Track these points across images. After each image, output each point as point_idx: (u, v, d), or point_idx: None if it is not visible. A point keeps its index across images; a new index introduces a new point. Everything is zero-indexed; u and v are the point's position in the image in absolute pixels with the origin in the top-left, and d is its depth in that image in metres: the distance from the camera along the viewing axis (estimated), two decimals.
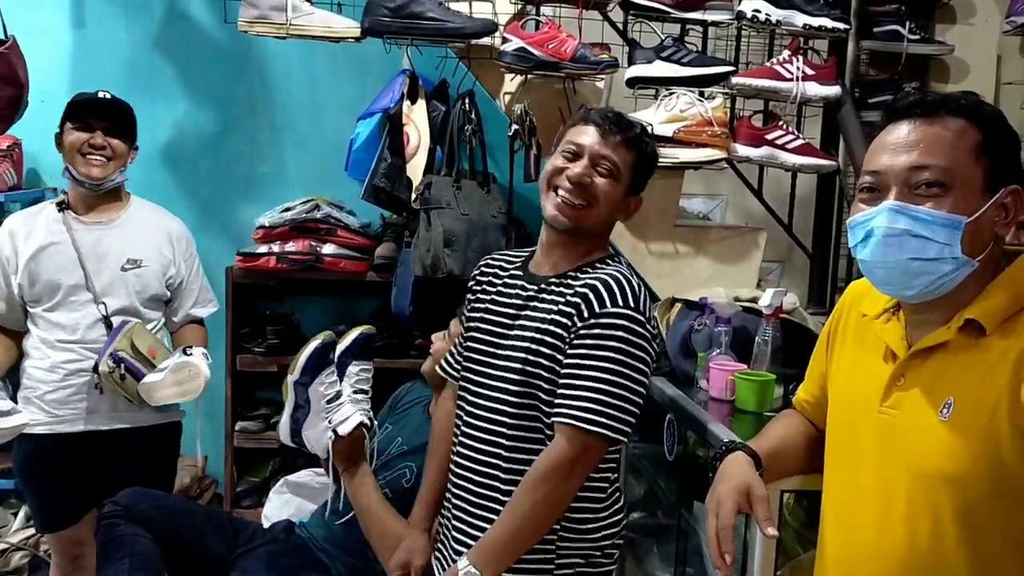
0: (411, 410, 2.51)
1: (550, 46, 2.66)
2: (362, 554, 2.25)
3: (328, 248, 3.34)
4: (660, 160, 2.68)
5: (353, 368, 2.29)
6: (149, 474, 2.53)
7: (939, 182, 1.28)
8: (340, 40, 2.74)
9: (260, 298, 3.58)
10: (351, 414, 2.21)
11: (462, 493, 1.84)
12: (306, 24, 2.70)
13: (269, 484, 3.44)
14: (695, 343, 2.50)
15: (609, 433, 1.69)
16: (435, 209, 2.68)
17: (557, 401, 1.71)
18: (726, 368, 2.32)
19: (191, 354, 2.47)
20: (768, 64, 2.80)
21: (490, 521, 1.76)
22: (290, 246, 3.32)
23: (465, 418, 1.85)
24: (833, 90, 2.80)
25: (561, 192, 1.75)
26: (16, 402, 2.46)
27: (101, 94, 2.51)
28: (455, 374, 1.97)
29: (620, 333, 1.69)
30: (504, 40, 2.68)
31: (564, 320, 1.72)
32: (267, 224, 3.34)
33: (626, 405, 1.70)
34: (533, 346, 1.74)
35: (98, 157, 2.46)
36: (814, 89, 2.77)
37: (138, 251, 2.55)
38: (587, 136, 1.76)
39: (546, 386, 1.73)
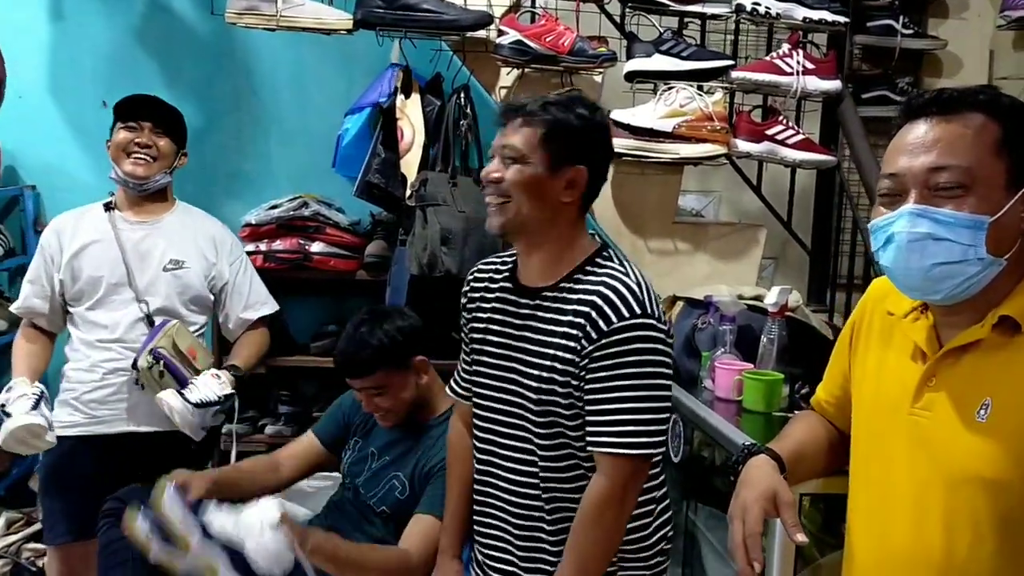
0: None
1: (548, 39, 2.61)
2: None
3: (317, 246, 3.27)
4: (660, 156, 2.68)
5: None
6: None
7: (959, 183, 1.23)
8: (331, 32, 2.68)
9: None
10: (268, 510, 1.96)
11: (500, 523, 1.78)
12: (296, 16, 2.63)
13: None
14: (699, 342, 2.47)
15: (649, 451, 1.64)
16: (431, 206, 2.62)
17: (589, 430, 1.64)
18: (733, 368, 2.28)
19: (194, 380, 2.43)
20: (768, 58, 2.76)
21: (538, 550, 1.73)
22: (278, 244, 3.25)
23: (488, 445, 1.78)
24: (834, 84, 2.76)
25: (487, 199, 1.69)
26: (53, 408, 2.43)
27: (147, 97, 2.53)
28: (465, 394, 1.89)
29: (637, 346, 1.60)
30: (500, 33, 2.63)
31: (571, 344, 1.63)
32: (254, 222, 3.26)
33: (658, 417, 1.63)
34: (544, 374, 1.65)
35: (143, 156, 2.46)
36: (814, 83, 2.74)
37: (180, 252, 2.53)
38: (496, 137, 1.70)
39: (565, 412, 1.66)
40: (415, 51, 2.81)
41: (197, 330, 2.58)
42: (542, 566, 1.72)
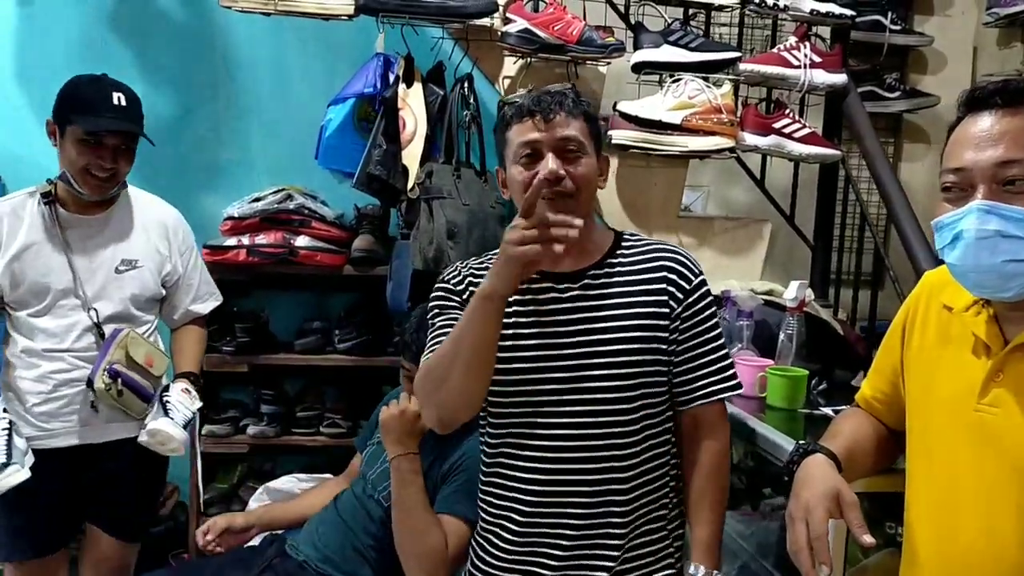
0: None
1: (556, 28, 2.54)
2: (356, 573, 2.15)
3: (302, 240, 3.15)
4: (668, 149, 2.63)
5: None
6: (142, 488, 2.37)
7: None
8: (331, 18, 2.58)
9: (227, 294, 3.35)
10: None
11: (564, 532, 1.67)
12: (295, 0, 2.51)
13: (238, 490, 3.29)
14: None
15: (737, 383, 1.75)
16: (437, 199, 2.54)
17: (693, 385, 1.70)
18: (754, 364, 2.25)
19: (167, 396, 2.28)
20: (776, 50, 2.73)
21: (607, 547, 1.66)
22: (261, 238, 3.12)
23: (547, 450, 1.66)
24: (840, 78, 2.75)
25: (546, 193, 1.55)
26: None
27: (116, 97, 2.25)
28: None
29: (710, 299, 1.72)
30: (507, 20, 2.56)
31: (658, 309, 1.66)
32: (236, 215, 3.12)
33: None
34: (628, 346, 1.63)
35: (106, 179, 2.24)
36: (821, 77, 2.72)
37: (132, 250, 2.34)
38: (533, 130, 1.60)
39: (651, 379, 1.66)
40: (416, 39, 2.71)
41: (148, 331, 2.40)
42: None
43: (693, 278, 1.68)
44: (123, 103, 2.26)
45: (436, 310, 1.73)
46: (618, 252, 1.70)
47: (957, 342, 1.39)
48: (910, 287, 1.61)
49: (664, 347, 1.66)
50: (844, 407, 2.08)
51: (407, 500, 1.97)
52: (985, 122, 1.25)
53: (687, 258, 1.71)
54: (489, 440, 1.74)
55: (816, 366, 2.30)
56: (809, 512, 1.35)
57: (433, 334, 1.70)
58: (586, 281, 1.66)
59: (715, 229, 2.86)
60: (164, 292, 2.42)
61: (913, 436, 1.47)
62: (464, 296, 1.70)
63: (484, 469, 1.76)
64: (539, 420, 1.65)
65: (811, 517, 1.34)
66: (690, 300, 1.67)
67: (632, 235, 1.76)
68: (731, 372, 1.72)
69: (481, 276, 1.67)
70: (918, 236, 2.49)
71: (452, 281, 1.74)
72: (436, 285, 1.77)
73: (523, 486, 1.67)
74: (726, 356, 1.73)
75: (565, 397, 1.63)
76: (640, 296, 1.65)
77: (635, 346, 1.63)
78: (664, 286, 1.66)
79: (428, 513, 1.97)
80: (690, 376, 1.69)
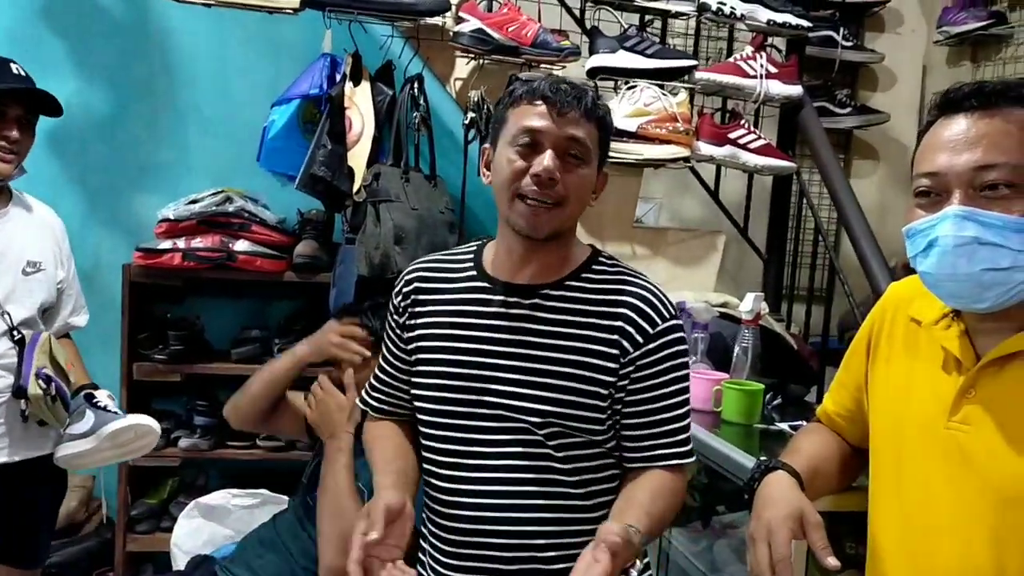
0: None
1: (510, 29, 2.47)
2: None
3: (241, 245, 3.04)
4: (623, 156, 2.57)
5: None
6: (40, 506, 2.23)
7: (1009, 182, 1.15)
8: (275, 11, 2.46)
9: (160, 300, 3.22)
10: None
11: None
12: None
13: (168, 506, 3.16)
14: None
15: (689, 451, 1.50)
16: (384, 202, 2.43)
17: (640, 445, 1.47)
18: (709, 377, 2.19)
19: (97, 400, 2.14)
20: (732, 60, 2.69)
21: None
22: (198, 242, 3.01)
23: (459, 457, 1.49)
24: (795, 89, 2.72)
25: (531, 198, 1.42)
26: None
27: (15, 67, 2.14)
28: (390, 409, 1.64)
29: (679, 348, 1.48)
30: (459, 20, 2.48)
31: (606, 349, 1.44)
32: (172, 217, 3.00)
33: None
34: (565, 382, 1.44)
35: (10, 151, 2.10)
36: (777, 88, 2.69)
37: (36, 252, 2.19)
38: (541, 118, 1.42)
39: (588, 425, 1.45)
40: (365, 37, 2.62)
41: None
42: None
43: (660, 322, 1.45)
44: (23, 73, 2.17)
45: (384, 335, 1.64)
46: (584, 275, 1.49)
47: (926, 357, 1.34)
48: (865, 302, 1.55)
49: (603, 392, 1.44)
50: (800, 422, 2.05)
51: (329, 482, 1.88)
52: (960, 125, 1.19)
53: (659, 299, 1.47)
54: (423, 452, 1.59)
55: (771, 380, 2.26)
56: (772, 533, 1.29)
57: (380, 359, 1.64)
58: (537, 300, 1.47)
59: (669, 240, 2.81)
60: (54, 301, 2.27)
61: (879, 454, 1.41)
62: (407, 300, 1.57)
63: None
64: (457, 435, 1.49)
65: (773, 538, 1.28)
66: (650, 347, 1.44)
67: (609, 258, 1.55)
68: (684, 437, 1.48)
69: (431, 275, 1.57)
70: (873, 250, 2.45)
71: (397, 299, 1.60)
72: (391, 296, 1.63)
73: (442, 510, 1.51)
74: (683, 418, 1.48)
75: (481, 411, 1.47)
76: (588, 330, 1.45)
77: (569, 384, 1.43)
78: (621, 324, 1.44)
79: (352, 500, 1.85)
80: (635, 434, 1.47)
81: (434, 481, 1.52)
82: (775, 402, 2.27)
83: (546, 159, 1.40)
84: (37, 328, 2.16)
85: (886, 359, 1.42)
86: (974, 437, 1.23)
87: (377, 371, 1.65)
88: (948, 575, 1.25)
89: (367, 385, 1.68)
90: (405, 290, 1.58)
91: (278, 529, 2.13)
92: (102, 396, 2.17)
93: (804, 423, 1.83)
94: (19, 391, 2.03)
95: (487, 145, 1.55)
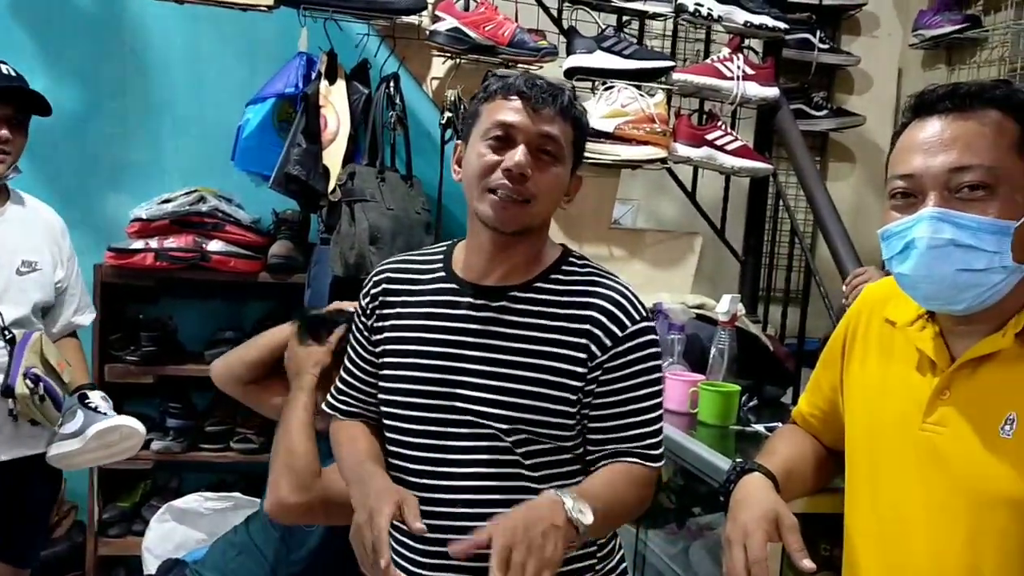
0: None
1: (487, 28, 2.46)
2: None
3: (215, 245, 3.01)
4: (600, 157, 2.56)
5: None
6: (31, 504, 2.22)
7: (984, 183, 1.15)
8: (249, 8, 2.45)
9: (132, 300, 3.18)
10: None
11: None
12: None
13: (140, 510, 3.13)
14: None
15: (659, 456, 1.47)
16: (359, 202, 2.41)
17: (607, 448, 1.44)
18: (685, 379, 2.18)
19: (90, 402, 2.13)
20: (709, 61, 2.69)
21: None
22: (171, 242, 2.97)
23: (425, 464, 1.46)
24: (772, 91, 2.73)
25: (501, 192, 1.40)
26: None
27: (5, 68, 2.14)
28: (358, 411, 1.60)
29: (650, 351, 1.45)
30: (436, 19, 2.47)
31: (574, 354, 1.42)
32: (144, 216, 2.97)
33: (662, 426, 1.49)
34: (530, 387, 1.41)
35: (1, 152, 2.11)
36: (754, 89, 2.69)
37: (32, 251, 2.20)
38: (515, 113, 1.40)
39: (555, 431, 1.43)
40: (340, 35, 2.60)
41: None
42: None
43: (629, 325, 1.42)
44: (13, 73, 2.18)
45: (351, 338, 1.60)
46: (553, 276, 1.47)
47: (900, 358, 1.34)
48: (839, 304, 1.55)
49: (572, 398, 1.41)
50: (775, 424, 2.05)
51: (288, 417, 1.83)
52: (935, 127, 1.19)
53: (629, 300, 1.45)
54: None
55: (747, 382, 2.26)
56: (747, 535, 1.28)
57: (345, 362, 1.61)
58: (504, 303, 1.45)
59: (646, 241, 2.81)
60: (54, 300, 2.27)
61: (854, 456, 1.41)
62: (375, 301, 1.54)
63: None
64: (425, 441, 1.46)
65: (749, 541, 1.27)
66: (620, 350, 1.41)
67: (580, 258, 1.52)
68: (653, 442, 1.44)
69: (398, 276, 1.54)
70: (849, 251, 2.46)
71: (364, 300, 1.56)
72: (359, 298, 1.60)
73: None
74: (652, 423, 1.44)
75: (459, 430, 1.44)
76: (556, 334, 1.42)
77: (536, 389, 1.41)
78: (588, 327, 1.42)
79: (307, 439, 1.80)
80: (600, 438, 1.43)
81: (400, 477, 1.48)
82: (751, 404, 2.26)
83: (518, 154, 1.38)
84: (32, 328, 2.16)
85: (861, 361, 1.42)
86: (948, 439, 1.23)
87: (343, 373, 1.62)
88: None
89: (332, 388, 1.65)
90: (373, 291, 1.55)
91: (250, 532, 2.10)
92: (95, 396, 2.17)
93: (780, 424, 1.83)
94: (6, 390, 2.04)
95: (459, 141, 1.53)
